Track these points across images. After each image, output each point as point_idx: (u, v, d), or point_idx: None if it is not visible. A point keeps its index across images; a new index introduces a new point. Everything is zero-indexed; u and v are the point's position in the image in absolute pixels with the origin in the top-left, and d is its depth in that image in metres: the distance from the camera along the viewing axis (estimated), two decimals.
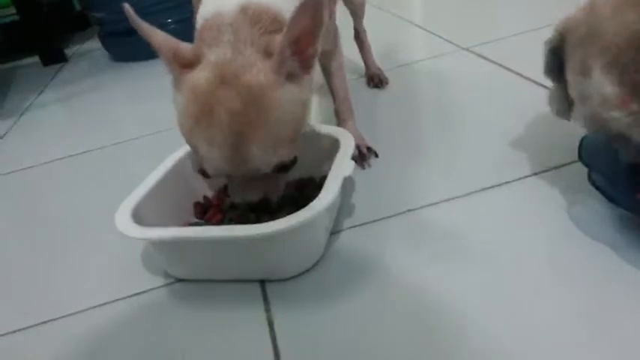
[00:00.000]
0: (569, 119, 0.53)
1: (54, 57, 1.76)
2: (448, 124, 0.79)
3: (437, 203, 0.60)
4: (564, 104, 0.52)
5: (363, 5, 0.92)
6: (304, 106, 0.50)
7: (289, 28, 0.44)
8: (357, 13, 0.92)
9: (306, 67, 0.48)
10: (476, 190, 0.61)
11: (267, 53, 0.47)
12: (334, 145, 0.60)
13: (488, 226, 0.55)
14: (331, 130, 0.63)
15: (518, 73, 0.86)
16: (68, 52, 1.83)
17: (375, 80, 0.94)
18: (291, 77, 0.47)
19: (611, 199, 0.48)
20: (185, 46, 0.48)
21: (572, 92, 0.47)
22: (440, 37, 1.13)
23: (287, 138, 0.47)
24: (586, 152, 0.53)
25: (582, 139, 0.54)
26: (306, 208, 0.48)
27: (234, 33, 0.47)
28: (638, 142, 0.42)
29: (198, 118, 0.46)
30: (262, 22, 0.48)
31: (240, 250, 0.51)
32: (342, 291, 0.51)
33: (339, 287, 0.51)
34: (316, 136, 0.64)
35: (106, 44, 1.65)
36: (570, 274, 0.47)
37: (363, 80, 0.97)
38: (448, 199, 0.60)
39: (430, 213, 0.59)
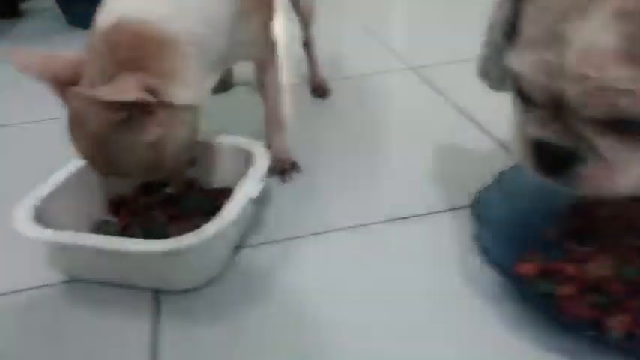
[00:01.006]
0: (505, 91, 0.53)
1: (7, 11, 1.68)
2: (378, 146, 0.80)
3: (348, 228, 0.62)
4: (502, 73, 0.51)
5: (312, 13, 0.91)
6: (160, 142, 0.52)
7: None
8: (305, 21, 0.92)
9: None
10: (388, 219, 0.63)
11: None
12: (250, 159, 0.61)
13: (391, 257, 0.58)
14: (250, 145, 0.64)
15: (455, 105, 0.89)
16: (23, 6, 1.75)
17: (319, 91, 0.95)
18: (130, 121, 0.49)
19: (489, 261, 0.49)
20: (65, 64, 0.50)
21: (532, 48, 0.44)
22: (392, 51, 1.15)
23: (150, 164, 0.52)
24: (480, 205, 0.55)
25: (478, 193, 0.57)
26: (196, 231, 0.49)
27: (100, 55, 0.49)
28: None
29: (72, 134, 0.51)
30: (126, 47, 0.49)
31: (132, 262, 0.52)
32: (236, 308, 0.52)
33: (233, 304, 0.53)
34: (234, 149, 0.65)
35: (61, 5, 1.59)
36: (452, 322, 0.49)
37: (307, 87, 0.98)
38: (358, 226, 0.63)
39: (339, 238, 0.61)
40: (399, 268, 0.56)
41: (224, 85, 0.98)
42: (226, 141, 0.66)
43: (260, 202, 0.67)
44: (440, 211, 0.64)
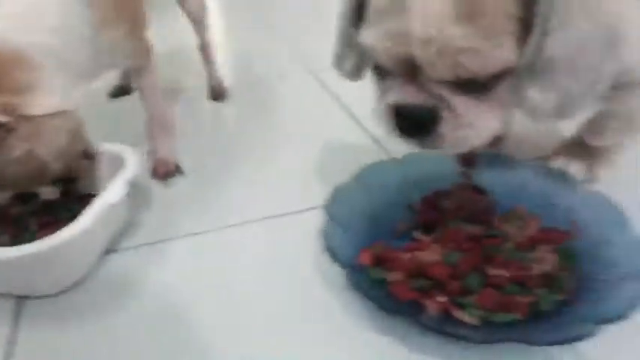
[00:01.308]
0: (360, 79, 0.57)
1: None
2: (266, 148, 0.83)
3: (220, 229, 0.65)
4: (358, 61, 0.55)
5: (203, 13, 0.92)
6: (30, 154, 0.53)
7: None
8: (197, 21, 0.92)
9: None
10: (264, 217, 0.66)
11: None
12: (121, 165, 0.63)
13: (259, 256, 0.60)
14: (123, 151, 0.65)
15: (348, 111, 0.93)
16: None
17: (216, 94, 0.97)
18: None
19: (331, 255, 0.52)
20: None
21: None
22: (296, 53, 1.18)
23: (29, 175, 0.53)
24: (333, 202, 0.59)
25: (334, 190, 0.61)
26: (52, 236, 0.51)
27: None
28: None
29: None
30: None
31: None
32: (101, 312, 0.54)
33: (98, 308, 0.54)
34: (111, 155, 0.66)
35: None
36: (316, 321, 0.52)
37: (204, 90, 0.99)
38: (230, 226, 0.65)
39: (212, 238, 0.64)
40: (265, 265, 0.59)
41: (123, 89, 0.98)
42: (104, 148, 0.67)
43: (138, 204, 0.69)
44: (312, 208, 0.67)
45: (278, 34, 1.32)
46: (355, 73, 0.58)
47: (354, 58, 0.56)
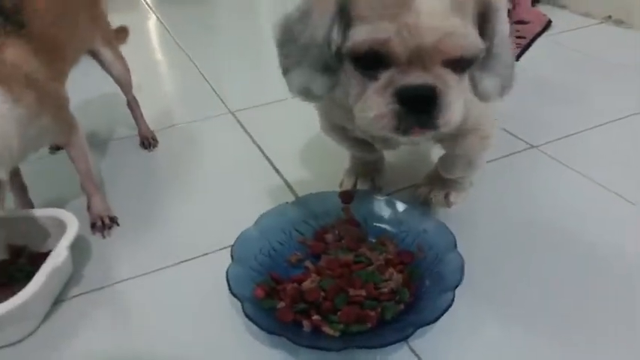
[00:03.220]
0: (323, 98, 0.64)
1: None
2: (190, 192, 0.97)
3: (153, 272, 0.79)
4: (329, 80, 0.61)
5: (127, 76, 1.05)
6: None
7: None
8: (122, 83, 1.05)
9: None
10: (180, 261, 0.80)
11: None
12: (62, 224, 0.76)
13: (179, 297, 0.74)
14: (63, 215, 0.78)
15: (259, 146, 1.08)
16: None
17: (146, 143, 1.11)
18: None
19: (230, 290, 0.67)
20: None
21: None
22: (218, 96, 1.32)
23: None
24: (238, 243, 0.74)
25: (240, 234, 0.76)
26: (10, 300, 0.64)
27: None
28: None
29: None
30: None
31: None
32: (53, 356, 0.67)
33: (50, 353, 0.67)
34: (53, 218, 0.79)
35: None
36: None
37: (136, 139, 1.12)
38: (161, 268, 0.79)
39: (142, 283, 0.77)
40: (183, 301, 0.73)
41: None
42: (46, 213, 0.80)
43: (82, 256, 0.82)
44: (227, 247, 0.81)
45: (198, 76, 1.46)
46: (324, 94, 0.63)
47: (328, 79, 0.62)
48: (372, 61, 0.56)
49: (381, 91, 0.56)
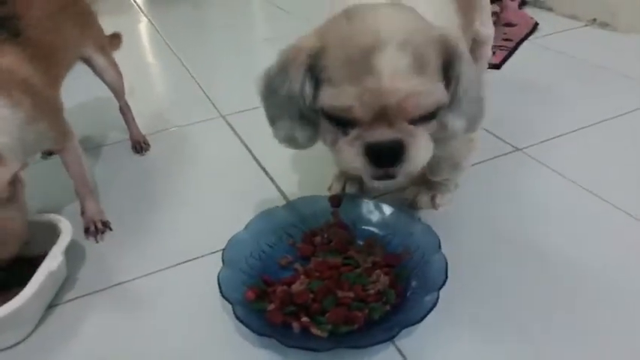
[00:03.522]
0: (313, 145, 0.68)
1: None
2: (181, 194, 0.99)
3: (145, 275, 0.80)
4: (311, 131, 0.65)
5: (119, 81, 1.07)
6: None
7: None
8: (114, 89, 1.07)
9: None
10: (175, 263, 0.82)
11: None
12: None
13: (172, 301, 0.76)
14: (57, 220, 0.79)
15: (250, 151, 1.10)
16: None
17: (138, 147, 1.12)
18: None
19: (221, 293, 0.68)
20: None
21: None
22: (210, 100, 1.34)
23: None
24: (229, 247, 0.76)
25: (231, 237, 0.78)
26: (6, 305, 0.65)
27: None
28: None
29: None
30: None
31: None
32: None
33: (46, 357, 0.69)
34: (48, 224, 0.80)
35: None
36: None
37: (128, 144, 1.14)
38: (149, 274, 0.81)
39: (134, 287, 0.79)
40: (176, 305, 0.75)
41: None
42: (40, 218, 0.81)
43: (76, 260, 0.84)
44: (219, 250, 0.83)
45: (190, 79, 1.47)
46: (309, 142, 0.68)
47: (308, 129, 0.66)
48: (340, 120, 0.60)
49: (351, 142, 0.60)
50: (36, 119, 0.75)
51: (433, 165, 0.85)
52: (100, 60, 1.02)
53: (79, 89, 1.12)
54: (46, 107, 0.78)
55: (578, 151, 1.05)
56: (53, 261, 0.72)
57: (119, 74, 1.06)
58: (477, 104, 0.67)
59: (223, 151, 1.13)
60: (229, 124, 1.21)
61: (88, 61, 1.01)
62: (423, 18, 0.63)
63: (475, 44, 0.98)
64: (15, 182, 0.69)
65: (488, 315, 0.70)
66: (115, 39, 1.14)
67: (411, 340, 0.66)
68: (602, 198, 0.91)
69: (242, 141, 1.14)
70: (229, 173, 1.05)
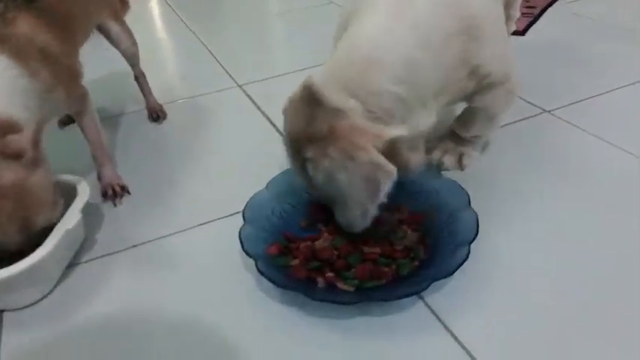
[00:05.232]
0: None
1: None
2: (199, 161, 0.97)
3: (165, 237, 0.79)
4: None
5: (134, 49, 1.05)
6: None
7: None
8: (129, 57, 1.06)
9: None
10: (197, 224, 0.80)
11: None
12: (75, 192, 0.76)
13: (193, 260, 0.74)
14: (76, 181, 0.78)
15: (268, 118, 1.08)
16: None
17: (154, 115, 1.10)
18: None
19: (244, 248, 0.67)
20: None
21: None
22: (225, 70, 1.31)
23: None
24: (249, 207, 0.74)
25: (251, 197, 0.75)
26: (23, 260, 0.64)
27: None
28: None
29: None
30: None
31: None
32: (68, 317, 0.67)
33: (66, 314, 0.67)
34: (67, 184, 0.78)
35: None
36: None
37: (145, 113, 1.12)
38: (166, 235, 0.79)
39: (156, 247, 0.78)
40: (200, 262, 0.74)
41: (70, 118, 1.10)
42: (60, 178, 0.79)
43: (95, 222, 0.82)
44: (237, 212, 0.81)
45: (205, 51, 1.45)
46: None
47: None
48: None
49: None
50: (54, 87, 0.74)
51: (467, 118, 0.82)
52: (115, 27, 1.00)
53: (93, 61, 1.11)
54: (64, 76, 0.77)
55: (609, 113, 1.00)
56: (70, 219, 0.71)
57: (134, 42, 1.04)
58: None
59: (241, 119, 1.10)
60: (246, 93, 1.19)
61: (102, 29, 1.00)
62: None
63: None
64: (38, 145, 0.67)
65: (519, 272, 0.67)
66: (124, 5, 1.12)
67: (441, 295, 0.63)
68: (635, 155, 0.87)
69: (259, 109, 1.12)
70: (247, 140, 1.02)
